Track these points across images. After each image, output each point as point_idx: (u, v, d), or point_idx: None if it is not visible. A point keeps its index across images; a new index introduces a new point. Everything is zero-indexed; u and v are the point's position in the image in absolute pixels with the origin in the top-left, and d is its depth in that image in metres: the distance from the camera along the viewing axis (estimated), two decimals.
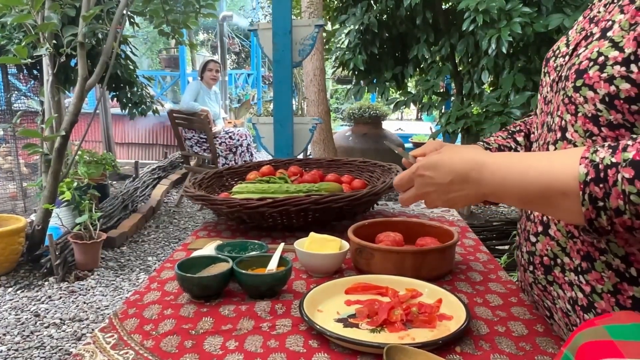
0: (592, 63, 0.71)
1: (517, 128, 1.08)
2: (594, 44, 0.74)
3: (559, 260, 0.79)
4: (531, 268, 0.86)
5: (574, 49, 0.81)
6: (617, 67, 0.68)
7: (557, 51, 0.87)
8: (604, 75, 0.69)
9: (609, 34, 0.72)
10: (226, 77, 9.07)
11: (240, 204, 1.28)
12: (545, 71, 0.89)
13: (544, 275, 0.83)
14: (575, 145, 0.75)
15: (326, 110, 5.67)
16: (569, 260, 0.77)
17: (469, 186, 0.73)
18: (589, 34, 0.79)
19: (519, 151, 1.04)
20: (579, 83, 0.73)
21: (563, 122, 0.77)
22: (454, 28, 4.01)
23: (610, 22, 0.73)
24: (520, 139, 1.06)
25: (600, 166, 0.61)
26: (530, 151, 1.01)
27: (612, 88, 0.68)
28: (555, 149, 0.79)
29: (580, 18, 0.88)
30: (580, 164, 0.62)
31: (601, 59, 0.70)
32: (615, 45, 0.69)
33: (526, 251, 0.87)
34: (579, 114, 0.74)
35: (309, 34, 2.86)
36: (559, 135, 0.79)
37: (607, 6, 0.79)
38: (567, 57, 0.82)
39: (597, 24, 0.79)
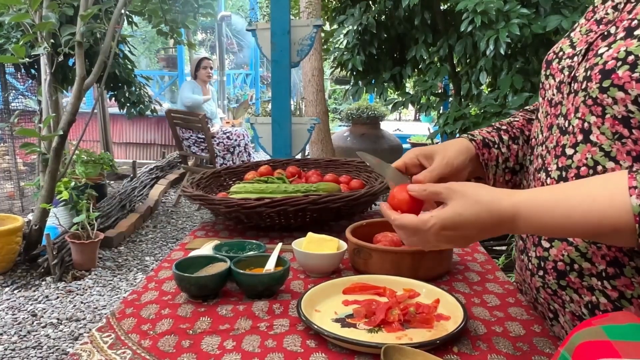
0: (620, 63, 0.69)
1: (504, 127, 1.02)
2: (620, 43, 0.71)
3: (576, 266, 0.77)
4: (541, 273, 0.83)
5: (588, 49, 0.78)
6: None
7: (561, 53, 0.84)
8: (636, 75, 0.67)
9: (637, 32, 0.70)
10: (224, 77, 9.06)
11: (238, 204, 1.28)
12: (548, 74, 0.86)
13: (555, 280, 0.80)
14: (601, 148, 0.72)
15: (324, 111, 5.68)
16: (590, 265, 0.75)
17: (495, 234, 0.70)
18: (605, 34, 0.76)
19: (501, 148, 0.97)
20: (606, 84, 0.70)
21: (585, 125, 0.74)
22: (452, 29, 4.01)
23: (635, 21, 0.71)
24: (505, 137, 0.99)
25: None
26: (526, 155, 0.96)
27: None
28: (576, 152, 0.76)
29: (582, 20, 0.86)
30: (630, 195, 0.60)
31: (631, 58, 0.68)
32: None
33: (535, 256, 0.84)
34: (607, 116, 0.71)
35: (307, 34, 2.86)
36: (580, 137, 0.75)
37: (622, 6, 0.77)
38: (577, 58, 0.79)
39: (609, 25, 0.77)
